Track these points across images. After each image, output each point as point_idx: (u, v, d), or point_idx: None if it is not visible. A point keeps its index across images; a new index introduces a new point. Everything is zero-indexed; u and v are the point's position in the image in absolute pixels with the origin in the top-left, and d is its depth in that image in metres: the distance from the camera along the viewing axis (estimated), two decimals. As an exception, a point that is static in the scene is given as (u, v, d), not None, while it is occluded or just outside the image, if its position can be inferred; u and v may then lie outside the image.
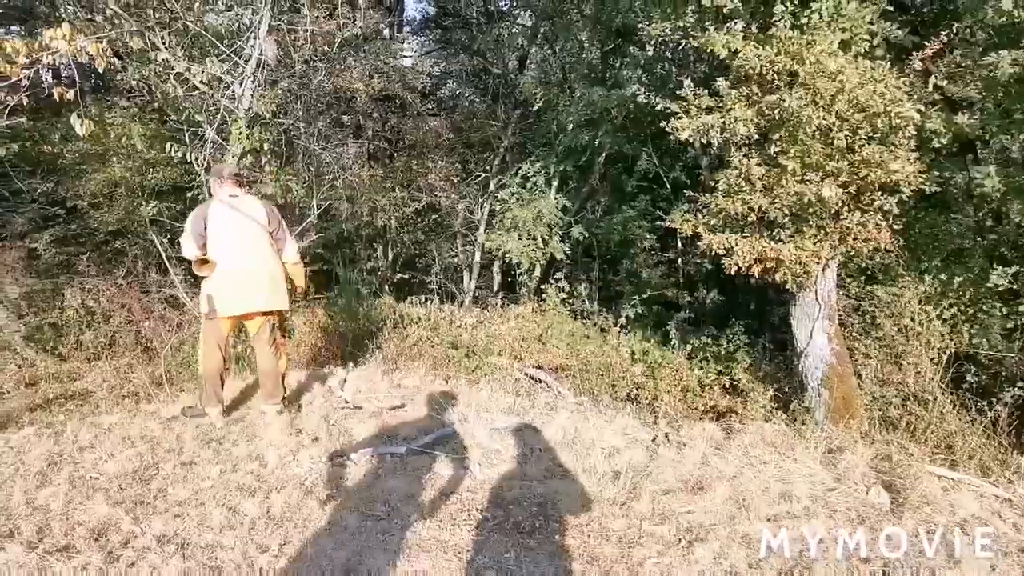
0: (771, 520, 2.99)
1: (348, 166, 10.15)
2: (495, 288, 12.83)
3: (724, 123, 4.92)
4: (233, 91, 6.55)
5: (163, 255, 8.79)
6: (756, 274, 5.22)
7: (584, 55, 9.81)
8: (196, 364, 4.35)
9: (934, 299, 5.67)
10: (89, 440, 3.92)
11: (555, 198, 9.88)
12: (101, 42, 5.31)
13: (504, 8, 14.93)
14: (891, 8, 5.53)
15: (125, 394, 5.83)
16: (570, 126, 9.66)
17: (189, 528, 2.75)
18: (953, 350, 5.53)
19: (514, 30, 10.33)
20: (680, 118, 5.18)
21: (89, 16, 6.74)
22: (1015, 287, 5.76)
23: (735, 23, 5.09)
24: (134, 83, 7.17)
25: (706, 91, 5.16)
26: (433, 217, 13.12)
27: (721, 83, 4.99)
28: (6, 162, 8.33)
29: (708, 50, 5.08)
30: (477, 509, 3.02)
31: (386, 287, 12.34)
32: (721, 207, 5.22)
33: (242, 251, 4.03)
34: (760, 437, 4.28)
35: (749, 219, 5.27)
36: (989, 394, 5.03)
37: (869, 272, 6.06)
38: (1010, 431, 4.48)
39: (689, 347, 6.69)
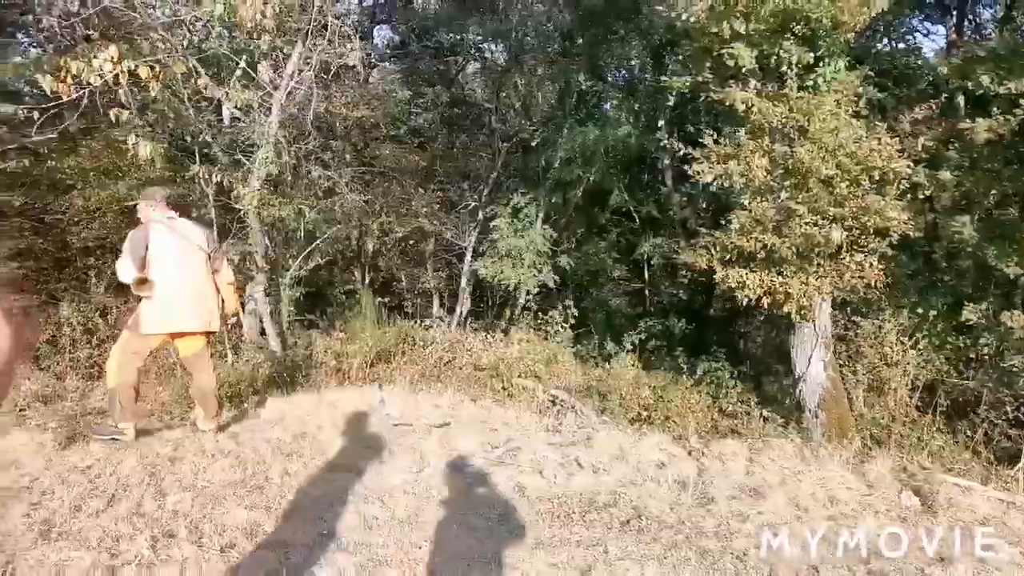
0: (831, 519, 3.45)
1: (343, 191, 10.33)
2: (463, 313, 13.13)
3: (742, 170, 5.50)
4: (260, 117, 6.73)
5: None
6: (765, 306, 5.79)
7: (572, 96, 10.41)
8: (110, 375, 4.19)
9: (909, 331, 6.39)
10: (168, 453, 4.03)
11: (542, 229, 10.35)
12: (153, 67, 5.49)
13: (475, 42, 15.55)
14: (871, 73, 6.32)
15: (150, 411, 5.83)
16: (557, 162, 10.20)
17: (334, 529, 2.97)
18: (926, 377, 6.24)
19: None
20: (701, 163, 5.74)
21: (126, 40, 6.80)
22: (973, 322, 6.57)
23: (750, 81, 5.73)
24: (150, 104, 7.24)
25: (725, 140, 5.75)
26: (412, 243, 13.39)
27: (741, 134, 5.59)
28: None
29: (727, 104, 5.68)
30: (578, 511, 3.36)
31: (367, 311, 12.47)
32: (736, 244, 5.77)
33: (181, 272, 4.09)
34: (781, 452, 4.78)
35: (759, 256, 5.85)
36: (961, 415, 5.73)
37: (853, 306, 6.75)
38: (987, 447, 5.15)
39: (700, 372, 7.21)
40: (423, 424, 5.08)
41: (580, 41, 10.44)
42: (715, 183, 5.65)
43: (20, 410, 5.64)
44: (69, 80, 5.41)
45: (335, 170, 10.55)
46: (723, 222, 6.03)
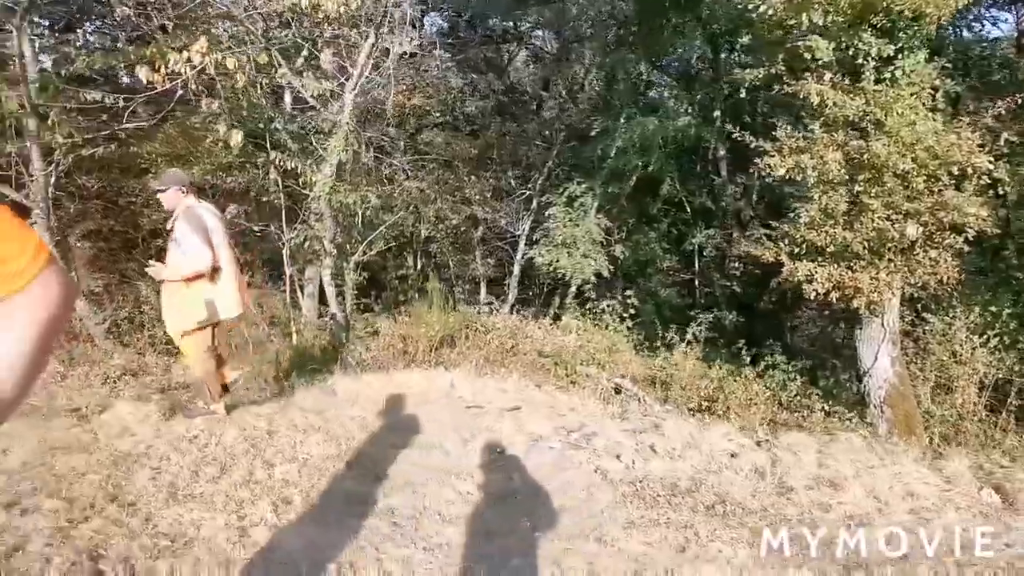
0: (912, 513, 3.50)
1: (400, 178, 10.53)
2: (513, 299, 13.28)
3: (816, 164, 5.48)
4: (333, 105, 6.94)
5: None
6: (834, 300, 5.77)
7: (629, 85, 10.40)
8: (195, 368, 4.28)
9: (979, 329, 6.30)
10: (264, 426, 4.27)
11: (597, 218, 10.40)
12: (243, 58, 5.71)
13: (523, 29, 15.58)
14: (949, 65, 6.20)
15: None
16: (613, 151, 10.22)
17: (435, 502, 3.14)
18: (997, 376, 6.15)
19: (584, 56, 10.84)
20: (772, 156, 5.73)
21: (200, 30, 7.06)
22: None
23: (825, 74, 5.69)
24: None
25: (797, 133, 5.73)
26: (463, 230, 13.57)
27: (815, 127, 5.57)
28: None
29: (801, 96, 5.66)
30: (663, 495, 3.47)
31: (415, 295, 12.75)
32: (805, 238, 5.76)
33: (230, 255, 4.15)
34: (850, 446, 4.81)
35: (828, 250, 5.83)
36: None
37: (922, 302, 6.67)
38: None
39: (763, 364, 7.22)
40: (494, 407, 5.25)
41: (635, 30, 10.42)
42: (787, 176, 5.63)
43: (112, 382, 6.00)
44: (163, 70, 5.69)
45: (393, 157, 10.79)
46: (789, 214, 6.01)
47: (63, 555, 2.43)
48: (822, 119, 5.66)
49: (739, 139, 6.12)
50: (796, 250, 5.88)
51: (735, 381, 6.99)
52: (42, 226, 7.09)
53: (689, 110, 9.77)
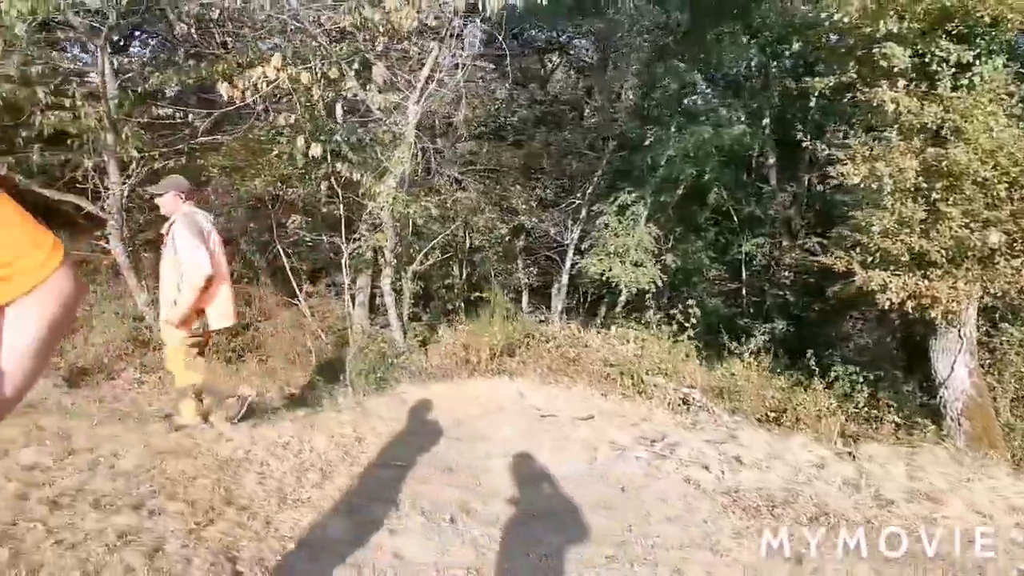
0: (1018, 527, 3.41)
1: (450, 189, 10.64)
2: (561, 308, 13.28)
3: (892, 171, 5.41)
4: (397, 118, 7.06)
5: (286, 264, 9.34)
6: (909, 309, 5.67)
7: (676, 94, 10.38)
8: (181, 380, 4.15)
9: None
10: (351, 433, 4.34)
11: (647, 227, 10.37)
12: (315, 73, 5.85)
13: (563, 40, 15.64)
14: None
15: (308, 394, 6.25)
16: (663, 160, 10.18)
17: (541, 510, 3.17)
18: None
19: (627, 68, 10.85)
20: (845, 164, 5.68)
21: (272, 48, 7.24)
22: None
23: (899, 81, 5.62)
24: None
25: (873, 140, 5.66)
26: (508, 240, 13.64)
27: (892, 135, 5.50)
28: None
29: (874, 104, 5.60)
30: (761, 506, 3.45)
31: (460, 304, 12.85)
32: (879, 246, 5.68)
33: (224, 265, 4.13)
34: (934, 458, 4.71)
35: (903, 259, 5.73)
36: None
37: (999, 312, 6.52)
38: None
39: (832, 375, 7.12)
40: (567, 416, 5.26)
41: (681, 38, 10.40)
42: (862, 184, 5.56)
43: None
44: (241, 86, 5.87)
45: (443, 168, 10.92)
46: (846, 222, 5.92)
47: (200, 556, 2.51)
48: (897, 126, 5.58)
49: (804, 146, 6.05)
50: (869, 259, 5.79)
51: (803, 392, 6.91)
52: (116, 236, 7.34)
53: (742, 118, 9.71)
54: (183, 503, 3.02)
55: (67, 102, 6.66)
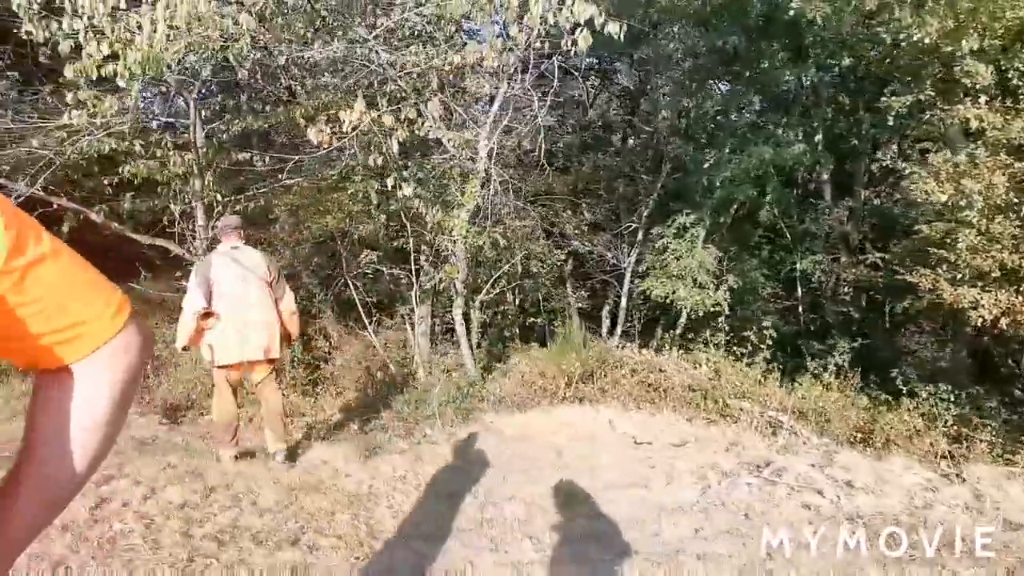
0: None
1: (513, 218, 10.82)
2: (620, 333, 13.30)
3: (980, 188, 5.39)
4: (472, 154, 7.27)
5: (357, 300, 9.60)
6: (1004, 327, 5.60)
7: (736, 114, 10.46)
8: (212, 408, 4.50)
9: None
10: (461, 465, 4.45)
11: (705, 248, 10.38)
12: (398, 116, 6.08)
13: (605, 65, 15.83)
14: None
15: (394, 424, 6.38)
16: (719, 181, 10.22)
17: (670, 537, 3.22)
18: None
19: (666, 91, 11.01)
20: (928, 181, 5.67)
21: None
22: None
23: (980, 97, 5.62)
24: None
25: (956, 158, 5.65)
26: (559, 264, 13.77)
27: (980, 152, 5.48)
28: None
29: (955, 121, 5.60)
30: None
31: (515, 330, 12.99)
32: (967, 262, 5.64)
33: (243, 301, 4.19)
34: (1046, 479, 4.61)
35: (993, 275, 5.67)
36: None
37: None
38: None
39: (922, 393, 7.03)
40: (660, 443, 5.30)
41: (732, 59, 10.50)
42: (949, 202, 5.54)
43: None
44: (328, 130, 6.13)
45: (506, 198, 11.14)
46: (932, 235, 5.88)
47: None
48: (981, 142, 5.57)
49: (861, 161, 6.04)
50: (958, 276, 5.74)
51: (887, 411, 6.82)
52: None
53: (799, 136, 9.72)
54: (334, 538, 3.15)
55: (158, 152, 7.04)
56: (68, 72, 4.87)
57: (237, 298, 4.20)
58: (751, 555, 3.09)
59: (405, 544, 3.14)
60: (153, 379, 7.90)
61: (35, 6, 4.33)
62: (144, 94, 8.86)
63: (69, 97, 5.14)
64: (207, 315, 4.13)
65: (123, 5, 4.46)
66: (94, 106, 5.20)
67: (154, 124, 7.46)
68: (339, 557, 2.92)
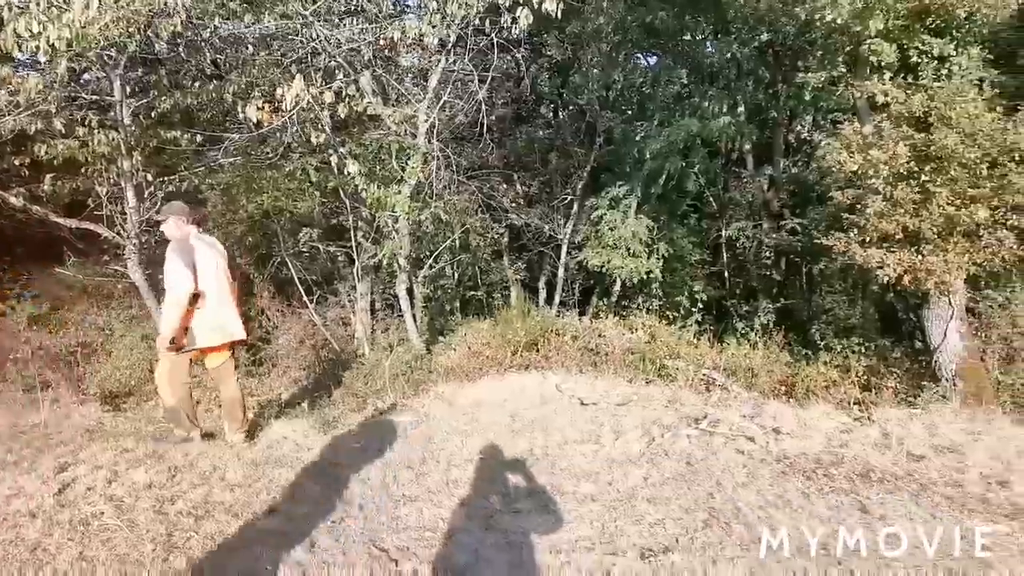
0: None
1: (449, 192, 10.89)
2: (558, 302, 13.66)
3: (886, 158, 5.89)
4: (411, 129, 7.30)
5: (296, 278, 9.51)
6: (906, 284, 6.18)
7: (664, 90, 10.82)
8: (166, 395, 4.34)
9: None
10: (419, 433, 4.63)
11: (639, 218, 10.79)
12: (338, 92, 6.06)
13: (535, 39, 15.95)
14: (991, 57, 6.61)
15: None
16: (649, 153, 10.61)
17: (629, 488, 3.52)
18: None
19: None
20: (840, 153, 6.15)
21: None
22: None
23: (885, 74, 6.12)
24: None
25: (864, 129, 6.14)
26: (496, 237, 13.97)
27: (885, 124, 5.98)
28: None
29: (866, 95, 6.08)
30: (816, 468, 3.86)
31: (456, 304, 13.19)
32: (875, 226, 6.17)
33: (222, 285, 4.32)
34: (942, 417, 5.21)
35: (897, 237, 6.24)
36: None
37: (981, 280, 7.09)
38: None
39: (839, 348, 7.64)
40: (606, 403, 5.63)
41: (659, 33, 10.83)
42: (859, 171, 6.03)
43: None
44: (267, 108, 6.05)
45: (443, 173, 11.18)
46: (841, 201, 6.39)
47: (352, 547, 2.79)
48: (885, 115, 6.07)
49: (780, 132, 6.49)
50: (866, 239, 6.27)
51: (806, 365, 7.42)
52: (135, 260, 7.41)
53: (724, 109, 10.18)
54: (309, 505, 3.28)
55: (81, 131, 6.73)
56: (-13, 48, 4.65)
57: (220, 282, 4.31)
58: (695, 496, 3.43)
59: (378, 508, 3.31)
60: (88, 366, 7.67)
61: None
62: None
63: (-9, 75, 4.88)
64: (195, 296, 4.15)
65: (48, -22, 4.28)
66: (17, 85, 4.95)
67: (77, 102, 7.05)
68: (316, 521, 3.06)
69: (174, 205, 4.47)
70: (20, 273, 9.69)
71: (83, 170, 7.13)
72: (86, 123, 6.65)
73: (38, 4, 4.33)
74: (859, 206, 6.43)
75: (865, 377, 7.31)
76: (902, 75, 6.20)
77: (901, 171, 5.90)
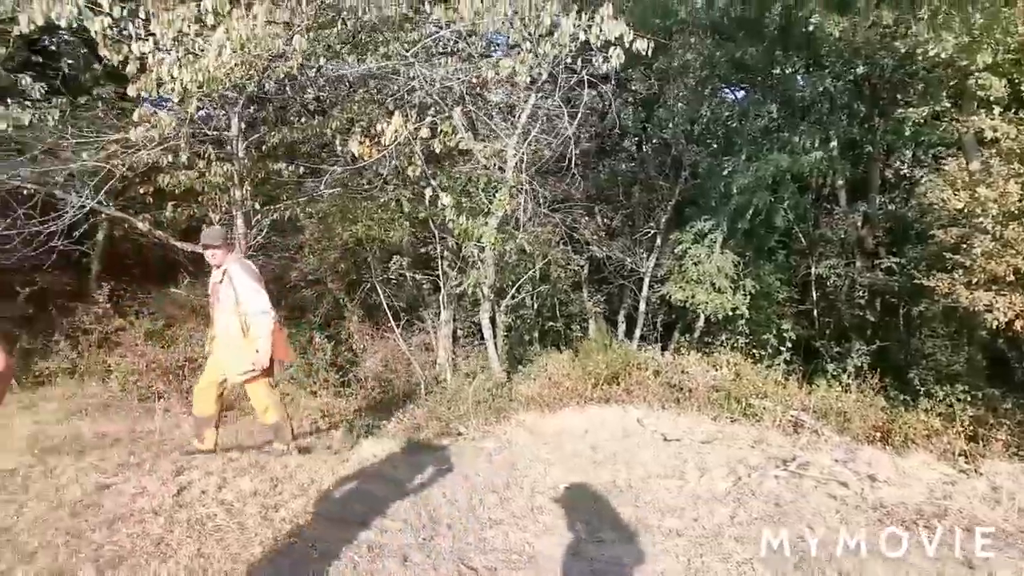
0: None
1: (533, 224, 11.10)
2: (638, 336, 13.53)
3: (995, 196, 5.62)
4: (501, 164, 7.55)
5: (385, 304, 9.91)
6: (1018, 329, 5.82)
7: (752, 124, 10.69)
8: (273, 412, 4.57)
9: None
10: (502, 460, 4.72)
11: (723, 253, 10.61)
12: (433, 128, 6.37)
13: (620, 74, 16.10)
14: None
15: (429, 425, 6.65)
16: (736, 188, 10.46)
17: (714, 526, 3.48)
18: None
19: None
20: (944, 190, 5.91)
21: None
22: None
23: (993, 108, 5.86)
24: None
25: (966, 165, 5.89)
26: (576, 269, 14.04)
27: (994, 161, 5.72)
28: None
29: (970, 131, 5.84)
30: (916, 519, 3.68)
31: (535, 334, 13.26)
32: (983, 267, 5.86)
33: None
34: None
35: (1007, 279, 5.90)
36: None
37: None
38: None
39: (941, 394, 7.24)
40: (689, 440, 5.55)
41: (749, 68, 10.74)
42: (965, 209, 5.78)
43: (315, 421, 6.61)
44: (368, 143, 6.44)
45: (530, 205, 11.43)
46: (945, 241, 6.09)
47: (442, 565, 2.90)
48: (995, 151, 5.80)
49: (876, 167, 6.28)
50: (973, 280, 5.96)
51: (904, 411, 7.04)
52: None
53: (815, 143, 9.95)
54: (400, 521, 3.43)
55: (200, 163, 7.37)
56: (131, 90, 5.23)
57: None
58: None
59: (465, 529, 3.41)
60: (194, 380, 8.22)
61: (110, 31, 4.64)
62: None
63: (136, 115, 5.46)
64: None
65: (187, 29, 4.79)
66: (154, 123, 5.52)
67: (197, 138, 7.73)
68: (408, 537, 3.19)
69: (217, 231, 4.49)
70: (139, 292, 10.53)
71: (199, 199, 7.77)
72: (205, 156, 7.28)
73: (177, 52, 4.84)
74: (964, 246, 6.15)
75: (971, 427, 6.87)
76: (1012, 110, 5.92)
77: (1012, 210, 5.61)
